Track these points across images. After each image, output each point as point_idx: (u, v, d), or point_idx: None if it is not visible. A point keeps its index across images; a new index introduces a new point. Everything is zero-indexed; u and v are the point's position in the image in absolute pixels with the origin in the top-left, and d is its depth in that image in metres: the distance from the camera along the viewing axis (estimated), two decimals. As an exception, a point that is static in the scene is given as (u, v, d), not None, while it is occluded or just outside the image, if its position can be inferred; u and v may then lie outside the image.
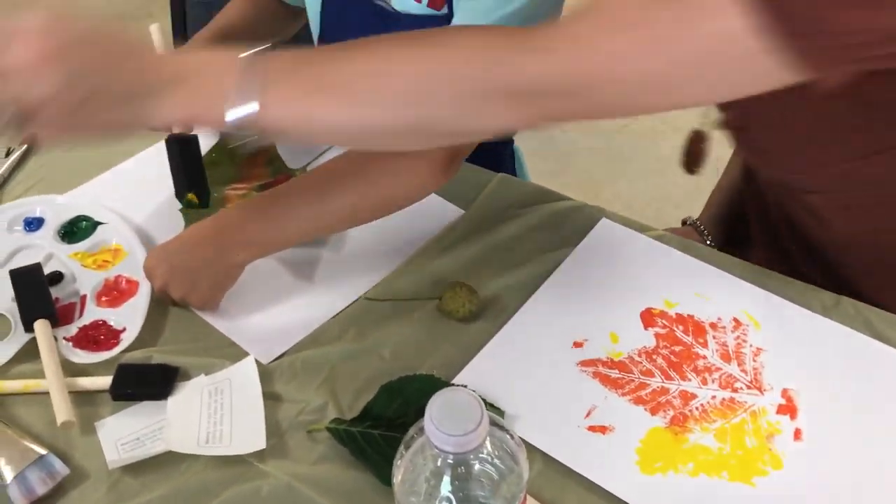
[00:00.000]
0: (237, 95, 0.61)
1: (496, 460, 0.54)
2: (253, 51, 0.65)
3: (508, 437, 0.55)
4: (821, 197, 0.94)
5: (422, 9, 1.00)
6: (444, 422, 0.50)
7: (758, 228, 1.10)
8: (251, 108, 0.61)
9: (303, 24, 1.29)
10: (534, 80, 0.60)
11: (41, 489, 0.74)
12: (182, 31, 1.66)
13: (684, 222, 1.19)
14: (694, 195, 2.33)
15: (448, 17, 0.98)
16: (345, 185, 0.89)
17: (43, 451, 0.76)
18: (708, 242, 1.11)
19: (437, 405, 0.51)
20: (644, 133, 2.51)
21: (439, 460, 0.53)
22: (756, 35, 0.53)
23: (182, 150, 1.00)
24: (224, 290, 0.92)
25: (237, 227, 0.89)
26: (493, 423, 0.54)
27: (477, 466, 0.53)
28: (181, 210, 1.01)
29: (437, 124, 0.66)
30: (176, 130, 0.99)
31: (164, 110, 0.65)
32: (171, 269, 0.89)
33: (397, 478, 0.56)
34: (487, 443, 0.52)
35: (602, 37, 0.59)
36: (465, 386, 0.81)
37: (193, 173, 1.01)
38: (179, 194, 1.02)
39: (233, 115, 0.62)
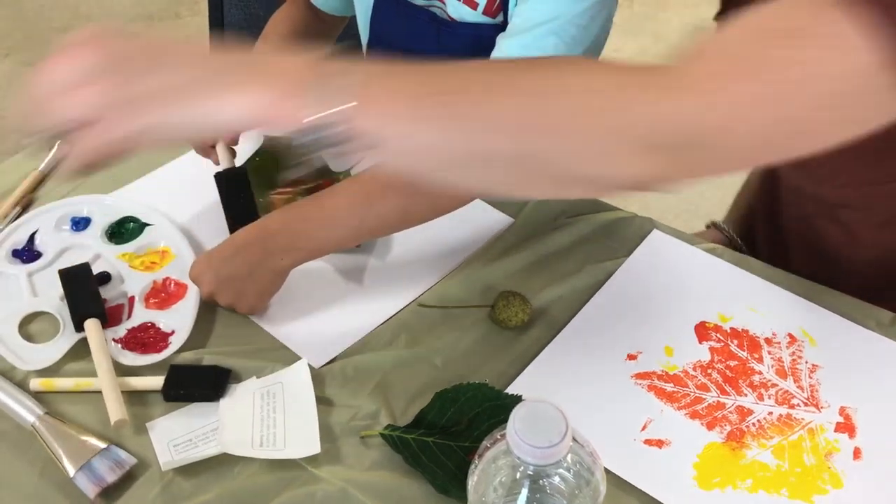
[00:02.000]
0: (324, 93, 0.55)
1: (573, 473, 0.54)
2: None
3: (585, 450, 0.54)
4: (858, 213, 0.93)
5: (477, 16, 1.00)
6: (527, 433, 0.49)
7: (764, 228, 1.09)
8: (339, 107, 0.55)
9: (339, 34, 1.29)
10: (673, 127, 0.54)
11: (110, 477, 0.74)
12: (220, 31, 1.66)
13: (709, 226, 1.18)
14: (721, 207, 2.32)
15: (502, 26, 0.98)
16: (394, 187, 0.88)
17: (103, 445, 0.76)
18: (740, 248, 1.10)
19: (520, 416, 0.50)
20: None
21: (518, 472, 0.52)
22: (887, 70, 0.51)
23: (230, 186, 0.98)
24: (270, 295, 0.91)
25: (281, 233, 0.89)
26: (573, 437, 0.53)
27: (556, 479, 0.52)
28: None
29: (553, 162, 0.57)
30: (243, 132, 0.97)
31: (231, 107, 0.57)
32: (218, 278, 0.89)
33: (470, 485, 0.55)
34: (567, 455, 0.52)
35: (731, 81, 0.54)
36: (520, 396, 0.80)
37: (240, 209, 0.97)
38: (232, 229, 0.98)
39: (314, 114, 0.55)
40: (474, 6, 1.00)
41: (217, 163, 1.00)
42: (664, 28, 3.02)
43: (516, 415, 0.50)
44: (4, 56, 2.92)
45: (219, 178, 0.98)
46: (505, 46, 0.92)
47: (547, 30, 0.89)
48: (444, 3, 1.02)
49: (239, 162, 1.03)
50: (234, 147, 1.02)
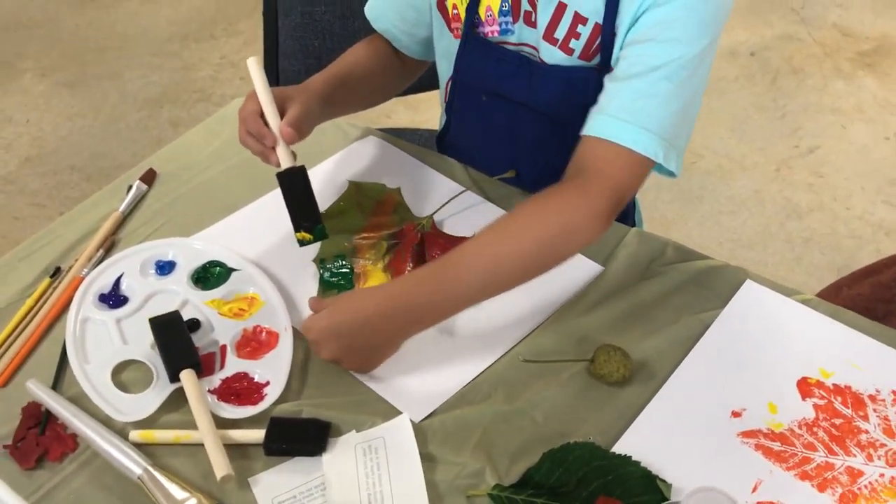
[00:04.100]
0: None
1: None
2: None
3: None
4: None
5: (572, 61, 0.99)
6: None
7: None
8: None
9: (418, 78, 1.29)
10: None
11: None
12: (274, 56, 1.66)
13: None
14: (764, 237, 2.31)
15: (599, 68, 0.98)
16: (516, 244, 0.89)
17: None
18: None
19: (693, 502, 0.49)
20: (712, 171, 2.49)
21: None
22: None
23: (292, 182, 0.98)
24: (388, 357, 0.92)
25: (413, 308, 0.89)
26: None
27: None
28: (297, 240, 0.98)
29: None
30: None
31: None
32: (348, 349, 0.89)
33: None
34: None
35: None
36: (630, 456, 0.79)
37: (303, 206, 0.98)
38: (296, 226, 0.99)
39: None
40: (570, 52, 0.99)
41: (278, 164, 0.98)
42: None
43: (689, 501, 0.49)
44: (41, 76, 2.93)
45: (281, 176, 0.97)
46: (615, 90, 0.92)
47: (661, 75, 0.89)
48: (536, 49, 1.02)
49: (320, 206, 1.03)
50: (294, 141, 0.99)
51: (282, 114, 0.98)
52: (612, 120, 0.91)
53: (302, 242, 0.98)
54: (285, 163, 0.98)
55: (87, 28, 3.16)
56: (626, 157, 0.91)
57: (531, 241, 0.88)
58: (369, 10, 1.18)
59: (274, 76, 1.65)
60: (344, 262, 1.00)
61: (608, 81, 0.94)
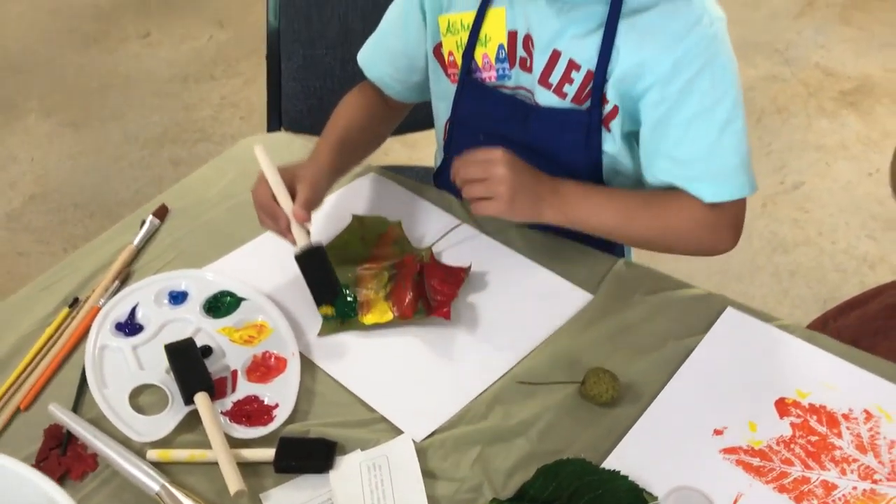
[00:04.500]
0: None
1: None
2: None
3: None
4: None
5: (565, 104, 1.06)
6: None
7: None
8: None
9: (413, 117, 1.36)
10: None
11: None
12: (277, 98, 1.72)
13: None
14: (752, 270, 2.37)
15: (589, 112, 1.05)
16: (661, 216, 1.09)
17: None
18: None
19: (671, 501, 0.55)
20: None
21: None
22: None
23: (309, 263, 1.04)
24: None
25: (568, 195, 1.06)
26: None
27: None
28: (321, 315, 1.04)
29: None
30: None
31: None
32: (517, 181, 1.02)
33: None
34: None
35: None
36: (619, 471, 0.84)
37: (323, 282, 1.04)
38: (318, 303, 1.05)
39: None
40: (563, 96, 1.06)
41: (294, 243, 1.04)
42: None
43: (667, 500, 0.55)
44: (46, 116, 3.00)
45: (299, 258, 1.03)
46: (703, 158, 1.06)
47: (726, 132, 1.04)
48: (532, 92, 1.09)
49: (324, 238, 1.09)
50: (307, 226, 1.06)
51: (292, 191, 1.05)
52: (712, 181, 1.07)
53: (326, 317, 1.04)
54: (301, 241, 1.03)
55: (90, 69, 3.23)
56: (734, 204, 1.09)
57: (680, 231, 1.09)
58: (362, 59, 1.25)
59: (277, 116, 1.72)
60: (348, 292, 1.06)
61: (647, 160, 1.10)
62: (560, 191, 1.06)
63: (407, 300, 1.03)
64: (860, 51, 3.16)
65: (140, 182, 2.71)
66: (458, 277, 1.06)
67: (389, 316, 1.03)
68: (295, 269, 1.04)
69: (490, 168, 1.02)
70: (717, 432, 0.90)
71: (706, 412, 0.92)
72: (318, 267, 1.04)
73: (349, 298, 1.05)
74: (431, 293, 1.04)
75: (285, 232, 1.05)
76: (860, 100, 2.92)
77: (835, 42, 3.28)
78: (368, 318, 1.03)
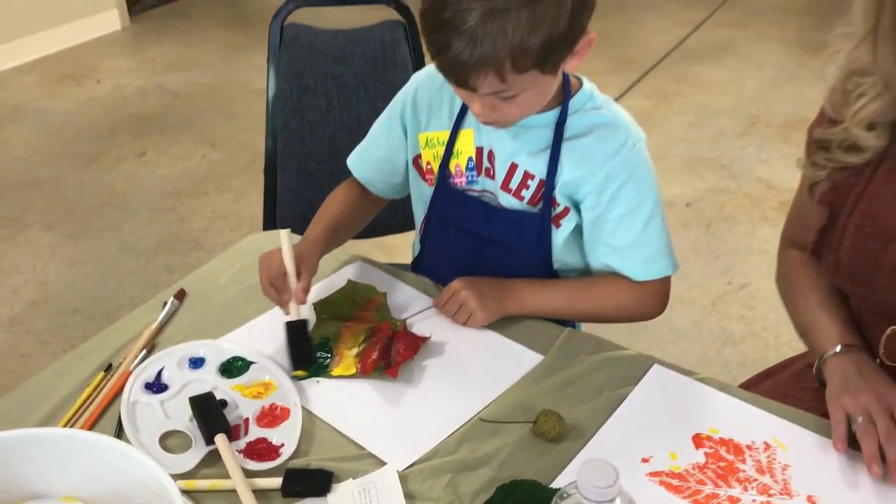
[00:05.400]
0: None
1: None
2: None
3: (626, 497, 0.79)
4: None
5: (522, 206, 1.31)
6: (592, 478, 0.74)
7: None
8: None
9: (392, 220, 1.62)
10: None
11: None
12: (272, 205, 1.95)
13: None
14: (703, 361, 2.58)
15: (541, 213, 1.30)
16: (596, 297, 1.36)
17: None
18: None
19: (587, 468, 0.75)
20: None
21: (583, 511, 0.77)
22: None
23: (295, 331, 1.27)
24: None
25: (519, 290, 1.34)
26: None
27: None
28: (291, 377, 1.25)
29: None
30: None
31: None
32: (479, 294, 1.32)
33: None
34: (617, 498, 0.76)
35: None
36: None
37: (302, 350, 1.27)
38: (294, 366, 1.26)
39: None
40: (521, 199, 1.32)
41: (287, 313, 1.29)
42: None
43: (584, 469, 0.75)
44: (47, 229, 3.19)
45: (288, 326, 1.28)
46: (631, 247, 1.32)
47: (650, 226, 1.31)
48: (495, 195, 1.34)
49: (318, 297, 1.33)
50: (303, 303, 1.30)
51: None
52: (640, 264, 1.33)
53: (297, 378, 1.25)
54: (293, 314, 1.28)
55: (90, 186, 3.46)
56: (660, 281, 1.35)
57: (612, 307, 1.37)
58: (351, 162, 1.51)
59: (272, 221, 1.95)
60: (326, 349, 1.27)
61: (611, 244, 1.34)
62: (514, 288, 1.34)
63: (370, 360, 1.24)
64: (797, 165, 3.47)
65: (136, 288, 2.89)
66: (416, 344, 1.27)
67: (353, 371, 1.24)
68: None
69: (457, 297, 1.32)
70: (645, 460, 1.10)
71: (635, 444, 1.12)
72: (300, 337, 1.27)
73: (326, 356, 1.27)
74: (395, 356, 1.25)
75: (284, 304, 1.28)
76: (797, 209, 3.20)
77: (775, 158, 3.60)
78: (335, 371, 1.24)
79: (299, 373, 1.25)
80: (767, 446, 1.12)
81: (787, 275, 1.37)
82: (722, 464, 1.09)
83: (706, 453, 1.11)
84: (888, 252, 1.13)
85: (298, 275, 1.29)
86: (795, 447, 1.12)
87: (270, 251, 1.31)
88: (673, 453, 1.11)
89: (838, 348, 1.19)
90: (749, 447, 1.12)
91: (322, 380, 1.24)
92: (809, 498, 1.05)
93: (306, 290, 1.29)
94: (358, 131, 1.62)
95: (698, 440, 1.13)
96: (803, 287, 1.31)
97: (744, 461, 1.10)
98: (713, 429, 1.15)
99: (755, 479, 1.07)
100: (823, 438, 1.12)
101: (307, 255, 1.33)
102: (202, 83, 4.35)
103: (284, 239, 1.31)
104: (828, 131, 1.17)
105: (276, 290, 1.29)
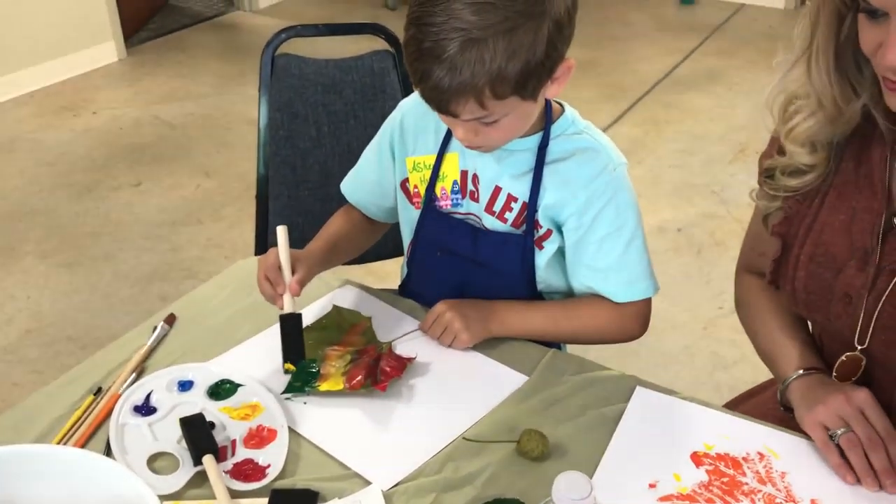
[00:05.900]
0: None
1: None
2: None
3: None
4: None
5: (506, 227, 1.34)
6: (568, 491, 0.75)
7: None
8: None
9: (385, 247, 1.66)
10: None
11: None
12: (264, 231, 1.97)
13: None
14: (695, 385, 2.59)
15: (525, 234, 1.33)
16: (578, 318, 1.38)
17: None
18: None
19: (563, 482, 0.77)
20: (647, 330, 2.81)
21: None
22: None
23: (289, 324, 1.30)
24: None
25: (502, 311, 1.35)
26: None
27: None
28: (284, 370, 1.29)
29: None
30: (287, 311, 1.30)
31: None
32: (463, 315, 1.33)
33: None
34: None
35: None
36: None
37: (294, 344, 1.30)
38: (284, 359, 1.30)
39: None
40: (504, 221, 1.34)
41: (282, 308, 1.31)
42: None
43: (560, 481, 0.77)
44: (42, 258, 3.20)
45: (283, 319, 1.30)
46: (614, 269, 1.35)
47: (631, 248, 1.34)
48: (479, 217, 1.36)
49: (303, 315, 1.34)
50: (297, 294, 1.32)
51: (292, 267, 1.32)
52: (622, 286, 1.35)
53: (287, 371, 1.29)
54: (287, 307, 1.30)
55: (84, 216, 3.46)
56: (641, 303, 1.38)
57: (594, 328, 1.39)
58: (344, 188, 1.54)
59: (263, 247, 1.97)
60: (314, 365, 1.29)
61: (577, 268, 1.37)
62: (497, 309, 1.36)
63: (356, 379, 1.26)
64: (786, 191, 3.50)
65: (130, 317, 2.88)
66: (403, 363, 1.29)
67: (340, 386, 1.25)
68: (278, 362, 1.29)
69: (441, 320, 1.34)
70: (652, 485, 1.11)
71: (638, 471, 1.12)
72: (293, 331, 1.30)
73: (313, 369, 1.29)
74: (381, 374, 1.27)
75: (277, 298, 1.31)
76: (787, 234, 3.23)
77: (764, 184, 3.62)
78: (323, 387, 1.26)
79: (289, 367, 1.28)
80: (762, 456, 1.14)
81: (745, 300, 1.40)
82: (724, 479, 1.11)
83: (707, 470, 1.13)
84: (839, 281, 1.16)
85: (294, 270, 1.31)
86: (787, 454, 1.14)
87: (269, 250, 1.35)
88: (676, 475, 1.12)
89: (800, 372, 1.21)
90: (745, 459, 1.14)
91: (309, 400, 1.25)
92: (813, 502, 1.07)
93: (301, 283, 1.31)
94: (348, 159, 1.64)
95: (697, 458, 1.15)
96: (763, 313, 1.34)
97: (743, 473, 1.12)
98: (707, 445, 1.17)
99: (759, 490, 1.09)
100: (812, 442, 1.15)
101: (305, 256, 1.36)
102: (197, 113, 4.38)
103: (281, 233, 1.35)
104: (774, 160, 1.20)
105: (270, 283, 1.31)
